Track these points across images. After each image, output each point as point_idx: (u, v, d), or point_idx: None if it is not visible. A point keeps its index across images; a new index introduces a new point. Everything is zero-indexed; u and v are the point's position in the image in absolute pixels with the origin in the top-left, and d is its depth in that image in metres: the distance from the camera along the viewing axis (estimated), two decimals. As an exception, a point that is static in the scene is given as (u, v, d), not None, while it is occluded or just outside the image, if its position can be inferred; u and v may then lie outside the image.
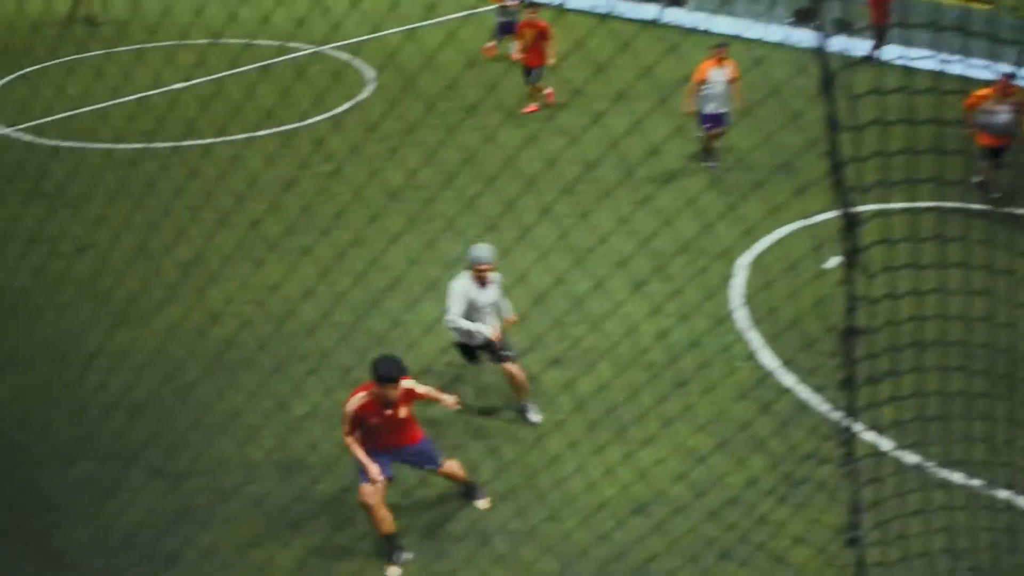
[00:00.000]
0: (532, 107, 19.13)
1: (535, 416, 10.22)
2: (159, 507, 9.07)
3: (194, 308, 11.53)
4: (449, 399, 8.84)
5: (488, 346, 9.97)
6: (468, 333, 9.82)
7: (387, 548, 8.60)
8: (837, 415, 9.75)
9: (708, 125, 16.00)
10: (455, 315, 9.70)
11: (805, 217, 12.94)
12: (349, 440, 8.40)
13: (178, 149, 16.94)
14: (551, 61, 18.70)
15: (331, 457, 9.28)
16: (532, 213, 13.09)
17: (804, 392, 10.45)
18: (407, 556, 8.63)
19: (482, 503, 9.21)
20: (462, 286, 9.75)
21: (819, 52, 4.33)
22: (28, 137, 18.08)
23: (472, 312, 9.79)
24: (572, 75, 18.55)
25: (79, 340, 11.02)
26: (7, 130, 18.51)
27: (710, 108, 15.78)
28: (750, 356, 11.09)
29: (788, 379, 10.67)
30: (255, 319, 11.17)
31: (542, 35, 18.62)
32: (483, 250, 9.79)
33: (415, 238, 12.27)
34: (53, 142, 17.62)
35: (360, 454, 8.38)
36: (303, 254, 11.14)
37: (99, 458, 9.61)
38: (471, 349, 10.10)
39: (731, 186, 15.13)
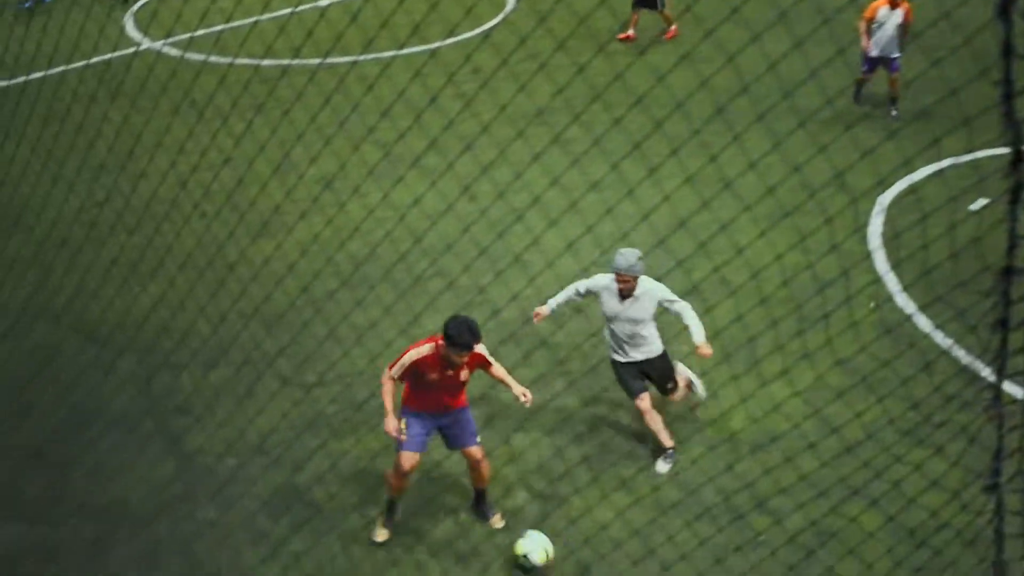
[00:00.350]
0: (672, 31, 18.67)
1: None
2: (292, 415, 9.27)
3: (335, 221, 11.63)
4: (520, 391, 8.36)
5: (649, 373, 9.16)
6: (622, 349, 9.05)
7: (388, 510, 8.56)
8: (982, 359, 9.38)
9: (866, 68, 15.29)
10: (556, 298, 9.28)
11: (964, 153, 12.38)
12: (387, 383, 8.26)
13: (326, 63, 17.09)
14: None
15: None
16: (682, 135, 12.85)
17: (947, 334, 10.07)
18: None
19: (495, 520, 8.69)
20: (592, 284, 9.13)
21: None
22: (179, 51, 18.43)
23: (610, 323, 9.05)
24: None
25: (222, 249, 11.22)
26: (159, 44, 18.89)
27: (873, 51, 15.05)
28: (890, 297, 10.71)
29: (931, 320, 10.29)
30: (395, 234, 11.20)
31: None
32: (623, 257, 8.81)
33: (560, 157, 12.13)
34: (203, 56, 17.91)
35: (388, 401, 8.22)
36: (446, 170, 11.13)
37: (236, 365, 9.84)
38: (631, 368, 9.08)
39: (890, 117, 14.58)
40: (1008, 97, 4.19)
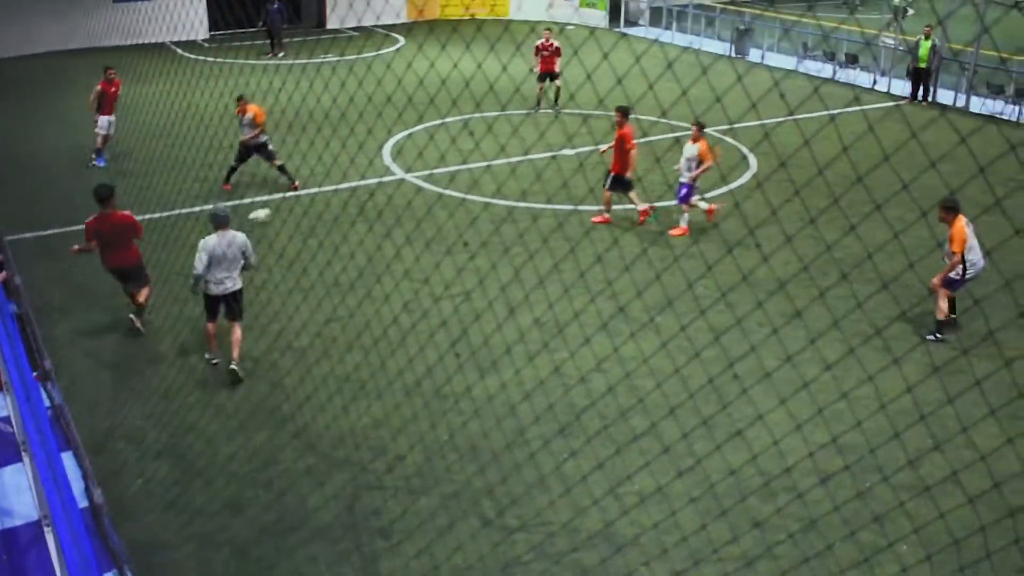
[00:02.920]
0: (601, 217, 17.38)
1: None
2: (488, 556, 9.12)
3: (559, 370, 11.67)
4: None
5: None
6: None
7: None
8: None
9: None
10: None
11: None
12: (92, 245, 12.71)
13: (545, 212, 17.46)
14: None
15: (661, 545, 9.02)
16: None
17: None
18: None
19: (138, 323, 13.05)
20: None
21: None
22: (419, 182, 19.25)
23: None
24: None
25: (450, 380, 11.43)
26: (406, 175, 19.79)
27: None
28: None
29: None
30: (619, 391, 11.11)
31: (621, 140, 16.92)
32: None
33: (796, 332, 11.86)
34: (439, 189, 18.71)
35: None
36: (679, 331, 11.07)
37: (444, 496, 9.82)
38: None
39: None
40: None
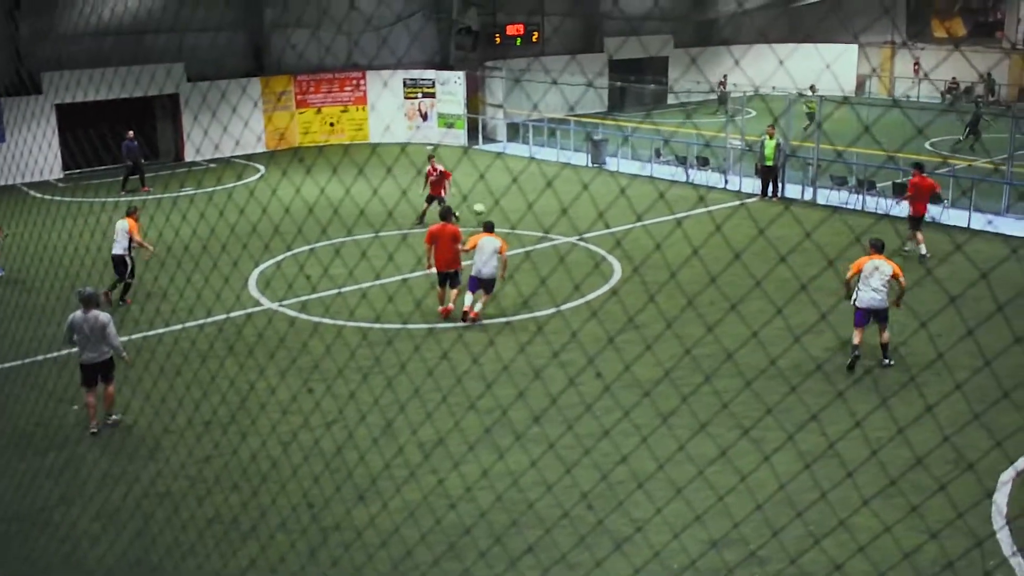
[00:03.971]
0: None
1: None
2: None
3: (433, 492, 11.48)
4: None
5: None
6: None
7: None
8: None
9: None
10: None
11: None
12: None
13: (433, 331, 17.41)
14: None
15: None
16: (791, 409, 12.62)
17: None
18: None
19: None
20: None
21: None
22: (293, 312, 18.92)
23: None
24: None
25: (320, 514, 11.16)
26: (275, 305, 19.46)
27: None
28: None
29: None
30: (492, 510, 10.95)
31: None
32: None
33: (665, 437, 11.91)
34: (315, 318, 18.37)
35: None
36: (547, 445, 11.03)
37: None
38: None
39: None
40: None
